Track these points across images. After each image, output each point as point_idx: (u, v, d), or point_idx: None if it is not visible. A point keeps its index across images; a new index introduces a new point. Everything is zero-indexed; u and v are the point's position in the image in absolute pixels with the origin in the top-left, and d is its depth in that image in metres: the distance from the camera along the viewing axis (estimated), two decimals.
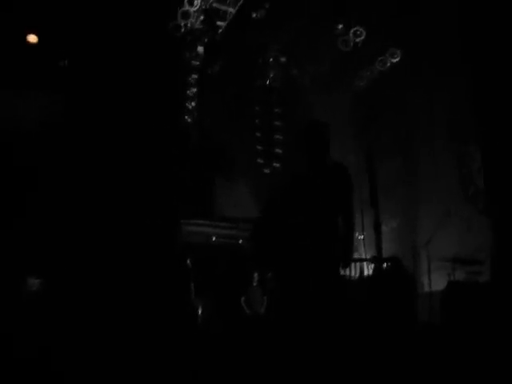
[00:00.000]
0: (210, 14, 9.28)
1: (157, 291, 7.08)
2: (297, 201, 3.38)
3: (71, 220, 7.41)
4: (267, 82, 10.84)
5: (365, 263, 7.77)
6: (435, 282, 7.22)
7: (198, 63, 10.14)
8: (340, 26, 9.37)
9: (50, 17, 8.07)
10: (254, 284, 8.95)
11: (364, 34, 9.23)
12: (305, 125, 3.58)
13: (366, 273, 7.74)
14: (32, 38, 8.47)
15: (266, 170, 10.73)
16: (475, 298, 6.15)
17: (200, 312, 8.35)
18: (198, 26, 9.50)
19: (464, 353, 4.60)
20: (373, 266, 7.49)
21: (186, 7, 8.88)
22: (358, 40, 9.35)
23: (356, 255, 8.21)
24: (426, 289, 7.60)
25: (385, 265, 7.16)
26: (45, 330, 5.23)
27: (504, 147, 4.81)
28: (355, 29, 9.28)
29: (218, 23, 9.51)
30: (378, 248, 4.54)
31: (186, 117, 10.23)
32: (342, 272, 3.11)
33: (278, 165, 10.66)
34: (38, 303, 6.11)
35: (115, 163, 7.71)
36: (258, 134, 10.91)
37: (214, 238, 10.41)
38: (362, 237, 8.53)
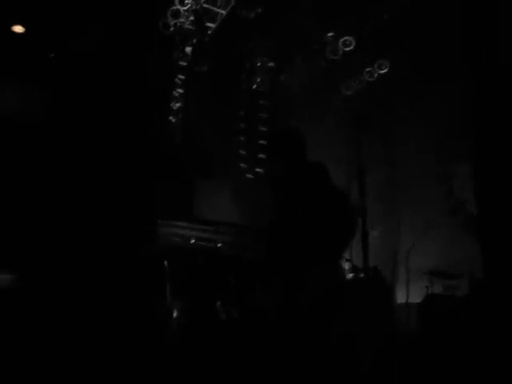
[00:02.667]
0: (200, 15, 9.23)
1: (132, 291, 6.96)
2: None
3: (47, 216, 7.27)
4: (254, 87, 10.81)
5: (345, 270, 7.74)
6: (413, 293, 7.24)
7: (185, 64, 10.06)
8: (329, 34, 9.40)
9: (38, 8, 7.96)
10: (231, 289, 8.87)
11: (353, 43, 9.28)
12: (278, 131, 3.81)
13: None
14: (18, 29, 8.34)
15: (249, 175, 10.68)
16: (451, 311, 6.20)
17: (175, 315, 8.24)
18: (187, 25, 9.44)
19: (439, 365, 4.61)
20: (351, 274, 7.47)
21: (177, 6, 8.84)
22: (346, 49, 9.39)
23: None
24: (403, 300, 7.62)
25: (363, 274, 7.14)
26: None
27: (494, 161, 4.85)
28: (345, 38, 9.32)
29: (208, 24, 9.46)
30: (365, 257, 4.51)
31: (171, 117, 10.15)
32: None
33: (261, 170, 10.62)
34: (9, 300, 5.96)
35: (95, 159, 7.59)
36: (242, 139, 10.86)
37: (192, 241, 10.31)
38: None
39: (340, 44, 9.39)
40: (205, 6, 9.29)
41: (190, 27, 9.59)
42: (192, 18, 9.38)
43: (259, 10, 8.77)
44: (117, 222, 7.59)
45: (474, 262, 6.62)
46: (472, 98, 5.16)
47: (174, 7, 8.95)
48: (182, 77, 10.22)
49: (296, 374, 2.81)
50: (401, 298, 7.82)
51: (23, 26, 8.27)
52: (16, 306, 5.76)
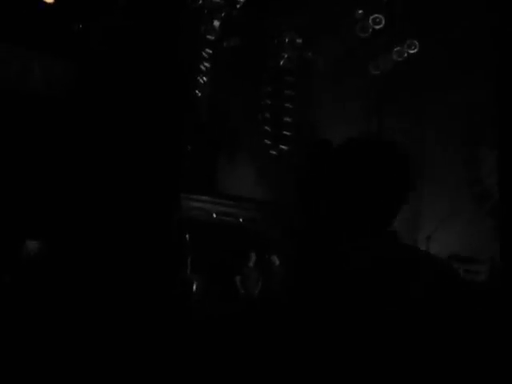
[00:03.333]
0: None
1: (153, 264, 7.07)
2: None
3: (71, 189, 7.38)
4: (281, 63, 10.70)
5: None
6: None
7: (212, 38, 9.99)
8: (359, 12, 9.22)
9: None
10: (251, 264, 8.96)
11: (383, 21, 9.09)
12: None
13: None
14: None
15: (273, 152, 10.66)
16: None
17: (194, 288, 8.37)
18: None
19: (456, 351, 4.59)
20: None
21: None
22: (376, 27, 9.21)
23: None
24: None
25: None
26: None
27: None
28: (375, 16, 9.13)
29: None
30: None
31: (197, 91, 10.13)
32: None
33: (285, 147, 10.58)
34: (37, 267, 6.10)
35: (120, 133, 7.64)
36: (267, 115, 10.81)
37: (214, 215, 10.40)
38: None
39: (370, 21, 9.21)
40: None
41: (219, 0, 9.50)
42: None
43: None
44: (141, 196, 7.67)
45: (496, 249, 6.58)
46: (501, 86, 5.07)
47: None
48: (209, 51, 10.16)
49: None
50: None
51: None
52: (44, 272, 5.90)
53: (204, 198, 10.29)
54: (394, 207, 1.48)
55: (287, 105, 10.76)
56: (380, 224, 1.47)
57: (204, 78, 10.15)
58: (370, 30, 9.32)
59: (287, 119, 10.67)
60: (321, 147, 3.18)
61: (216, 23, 9.82)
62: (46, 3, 8.33)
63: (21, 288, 5.20)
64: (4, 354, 3.91)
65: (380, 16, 9.12)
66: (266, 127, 10.76)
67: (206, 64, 10.13)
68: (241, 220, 10.59)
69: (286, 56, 10.65)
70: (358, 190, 1.45)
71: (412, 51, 9.30)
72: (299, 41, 10.22)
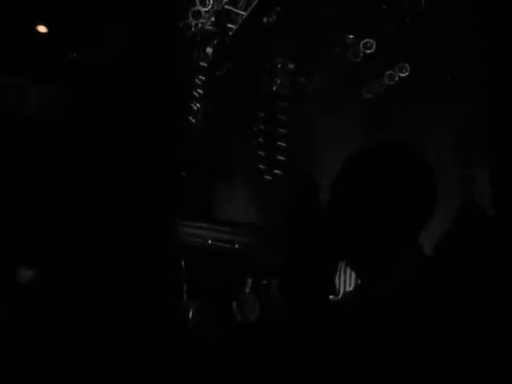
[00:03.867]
0: (222, 16, 9.26)
1: (149, 290, 7.00)
2: None
3: (67, 214, 7.35)
4: (274, 89, 10.81)
5: None
6: None
7: (205, 64, 10.10)
8: (350, 37, 9.35)
9: (61, 9, 8.06)
10: (247, 290, 8.88)
11: (374, 46, 9.21)
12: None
13: None
14: (41, 28, 8.45)
15: (267, 177, 10.68)
16: None
17: (190, 315, 8.28)
18: (208, 26, 9.48)
19: None
20: None
21: (198, 7, 8.86)
22: (367, 52, 9.33)
23: None
24: None
25: None
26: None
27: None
28: (365, 40, 9.25)
29: (229, 26, 9.48)
30: None
31: (190, 117, 10.19)
32: None
33: (279, 172, 10.61)
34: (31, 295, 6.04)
35: (115, 159, 7.65)
36: (261, 140, 10.86)
37: (209, 241, 10.35)
38: None
39: (361, 46, 9.33)
40: (226, 7, 9.31)
41: (211, 28, 9.62)
42: (213, 18, 9.42)
43: (279, 12, 8.76)
44: (136, 222, 7.64)
45: None
46: (489, 104, 5.09)
47: (196, 8, 8.97)
48: (202, 77, 10.26)
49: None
50: None
51: (47, 26, 8.39)
52: (37, 299, 5.83)
53: (199, 224, 10.26)
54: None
55: (280, 130, 10.83)
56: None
57: (197, 105, 10.22)
58: (361, 54, 9.44)
59: (281, 144, 10.72)
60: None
61: (209, 50, 9.95)
62: (39, 33, 8.43)
63: (15, 315, 5.13)
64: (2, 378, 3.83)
65: (371, 41, 9.25)
66: (260, 152, 10.81)
67: (200, 90, 10.21)
68: (236, 246, 10.54)
69: (278, 81, 10.76)
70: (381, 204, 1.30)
71: (403, 74, 9.40)
72: (291, 66, 10.34)
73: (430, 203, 1.32)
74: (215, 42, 9.80)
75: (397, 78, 9.61)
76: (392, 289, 1.25)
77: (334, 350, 1.28)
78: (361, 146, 1.44)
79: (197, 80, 10.16)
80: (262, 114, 11.03)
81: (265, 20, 9.17)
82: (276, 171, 10.72)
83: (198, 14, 8.98)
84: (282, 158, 10.75)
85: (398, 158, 1.33)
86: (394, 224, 1.27)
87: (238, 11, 9.44)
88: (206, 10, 9.00)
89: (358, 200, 1.30)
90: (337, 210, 1.34)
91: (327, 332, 1.31)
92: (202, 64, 10.09)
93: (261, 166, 10.84)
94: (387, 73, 9.68)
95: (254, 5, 9.20)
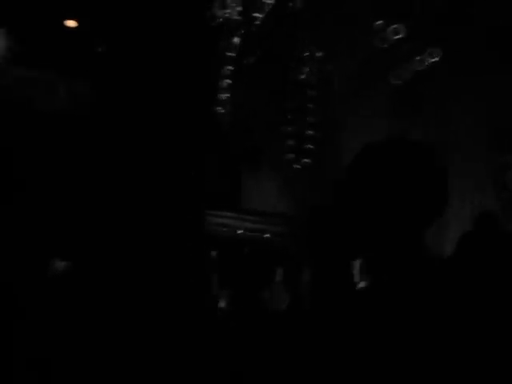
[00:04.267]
0: (248, 5, 9.20)
1: (178, 282, 7.06)
2: None
3: (97, 207, 7.45)
4: (302, 77, 10.71)
5: None
6: None
7: (233, 54, 10.06)
8: (379, 22, 9.18)
9: (90, 3, 8.13)
10: (278, 280, 8.88)
11: (403, 31, 9.03)
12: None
13: None
14: (70, 23, 8.55)
15: (296, 166, 10.63)
16: None
17: (221, 305, 8.32)
18: (234, 16, 9.43)
19: None
20: None
21: None
22: (396, 37, 9.15)
23: None
24: None
25: None
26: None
27: None
28: (394, 26, 9.08)
29: (255, 15, 9.41)
30: None
31: (219, 108, 10.19)
32: None
33: (308, 160, 10.54)
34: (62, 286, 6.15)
35: (144, 152, 7.72)
36: (290, 129, 10.80)
37: (239, 231, 10.38)
38: None
39: (389, 32, 9.15)
40: None
41: (238, 18, 9.57)
42: (239, 8, 9.37)
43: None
44: (166, 213, 7.70)
45: None
46: None
47: None
48: (229, 67, 10.23)
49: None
50: None
51: (76, 20, 8.48)
52: (71, 290, 5.93)
53: (228, 214, 10.29)
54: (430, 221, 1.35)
55: (309, 118, 10.74)
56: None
57: (225, 95, 10.21)
58: (390, 40, 9.27)
59: (309, 132, 10.63)
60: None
61: (236, 40, 9.90)
62: (68, 28, 8.52)
63: (47, 307, 5.23)
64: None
65: (400, 26, 9.06)
66: (289, 141, 10.75)
67: (227, 81, 10.19)
68: (267, 235, 10.54)
69: (307, 69, 10.66)
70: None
71: (433, 59, 9.18)
72: (319, 54, 10.23)
73: (440, 203, 1.33)
74: (242, 31, 9.75)
75: (426, 64, 9.40)
76: (401, 283, 1.27)
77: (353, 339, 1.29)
78: (379, 139, 1.43)
79: (224, 70, 10.14)
80: (291, 103, 10.96)
81: (291, 8, 9.08)
82: (305, 160, 10.65)
83: (223, 4, 8.96)
84: (311, 147, 10.67)
85: (409, 155, 1.34)
86: (402, 220, 1.28)
87: (265, 0, 9.36)
88: None
89: (366, 194, 1.32)
90: (349, 202, 1.36)
91: (350, 319, 1.31)
92: (229, 54, 10.05)
93: (289, 155, 10.78)
94: (417, 58, 9.48)
95: None
